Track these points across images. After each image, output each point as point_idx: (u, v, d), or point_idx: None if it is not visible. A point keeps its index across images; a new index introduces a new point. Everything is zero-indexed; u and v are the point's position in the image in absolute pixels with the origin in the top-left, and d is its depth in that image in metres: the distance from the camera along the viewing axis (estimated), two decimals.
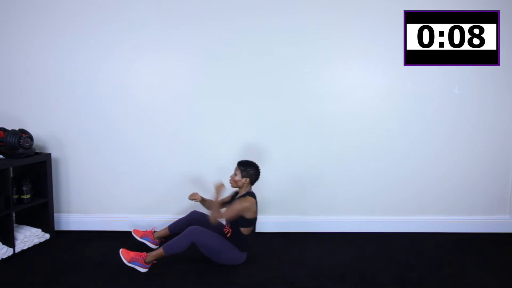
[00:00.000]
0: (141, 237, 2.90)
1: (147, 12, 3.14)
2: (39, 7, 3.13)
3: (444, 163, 3.30)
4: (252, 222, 2.67)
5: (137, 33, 3.15)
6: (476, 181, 3.32)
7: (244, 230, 2.64)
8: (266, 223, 3.25)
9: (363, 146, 3.26)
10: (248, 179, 2.70)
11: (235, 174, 2.73)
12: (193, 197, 2.87)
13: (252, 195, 2.70)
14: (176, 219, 2.95)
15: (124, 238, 3.11)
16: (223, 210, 2.71)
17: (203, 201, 2.90)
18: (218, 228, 2.77)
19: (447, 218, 3.34)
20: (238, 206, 2.59)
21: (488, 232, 3.32)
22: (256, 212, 2.68)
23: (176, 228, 2.87)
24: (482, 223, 3.34)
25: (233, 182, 2.73)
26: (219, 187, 2.72)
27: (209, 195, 3.26)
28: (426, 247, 3.03)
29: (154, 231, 2.94)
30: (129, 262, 2.53)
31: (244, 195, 2.69)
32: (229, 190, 2.88)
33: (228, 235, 2.67)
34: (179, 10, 3.13)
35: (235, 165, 2.75)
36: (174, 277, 2.50)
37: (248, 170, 2.70)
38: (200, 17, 3.14)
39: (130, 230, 3.27)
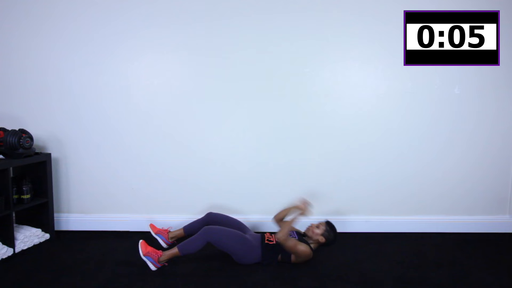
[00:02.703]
0: (156, 233, 2.91)
1: (147, 12, 3.14)
2: (38, 7, 3.13)
3: (444, 163, 3.29)
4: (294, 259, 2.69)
5: (137, 33, 3.15)
6: (476, 181, 3.32)
7: (293, 259, 2.67)
8: (266, 223, 3.25)
9: (363, 146, 3.26)
10: (324, 240, 2.72)
11: (317, 227, 2.75)
12: (302, 208, 2.80)
13: (313, 252, 2.70)
14: (191, 221, 2.97)
15: (124, 238, 3.12)
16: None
17: (286, 217, 2.86)
18: (237, 225, 2.82)
19: (447, 218, 3.34)
20: (301, 248, 2.60)
21: (488, 232, 3.32)
22: (303, 261, 2.68)
23: (192, 230, 2.86)
24: (482, 223, 3.34)
25: (311, 231, 2.74)
26: (305, 206, 2.77)
27: (210, 195, 3.28)
28: (426, 247, 3.03)
29: (169, 231, 2.94)
30: (144, 255, 2.55)
31: (312, 245, 2.71)
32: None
33: (271, 242, 2.68)
34: (179, 10, 3.13)
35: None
36: (174, 277, 2.50)
37: (331, 233, 2.73)
38: (200, 16, 3.14)
39: (130, 230, 3.29)
